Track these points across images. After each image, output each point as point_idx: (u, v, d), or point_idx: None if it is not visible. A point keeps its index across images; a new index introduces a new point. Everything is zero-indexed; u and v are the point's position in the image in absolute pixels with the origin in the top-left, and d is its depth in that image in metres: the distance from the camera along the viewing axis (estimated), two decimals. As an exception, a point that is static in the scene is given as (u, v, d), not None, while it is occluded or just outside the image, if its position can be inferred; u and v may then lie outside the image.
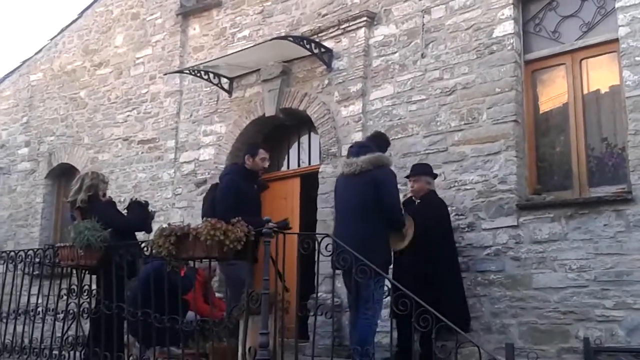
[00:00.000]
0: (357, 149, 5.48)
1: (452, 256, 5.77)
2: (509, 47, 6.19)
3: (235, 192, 5.50)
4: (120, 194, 9.01)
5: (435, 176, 6.05)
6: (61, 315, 5.54)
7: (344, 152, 7.07)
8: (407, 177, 6.09)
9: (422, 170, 5.99)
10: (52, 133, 10.72)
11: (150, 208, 6.05)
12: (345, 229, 5.18)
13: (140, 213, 5.85)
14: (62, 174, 10.71)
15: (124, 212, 6.02)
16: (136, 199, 6.42)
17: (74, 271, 5.66)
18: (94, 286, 5.54)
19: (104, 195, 5.87)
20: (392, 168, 6.53)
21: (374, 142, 5.62)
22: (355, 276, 4.58)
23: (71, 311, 5.52)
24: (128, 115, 9.66)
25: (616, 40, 5.71)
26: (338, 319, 6.23)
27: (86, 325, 5.50)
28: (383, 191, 5.12)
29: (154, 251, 4.62)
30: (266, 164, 5.99)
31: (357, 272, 4.53)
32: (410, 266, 5.42)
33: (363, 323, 4.97)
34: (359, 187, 5.20)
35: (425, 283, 5.19)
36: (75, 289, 5.52)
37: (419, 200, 5.92)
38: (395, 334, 5.41)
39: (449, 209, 6.09)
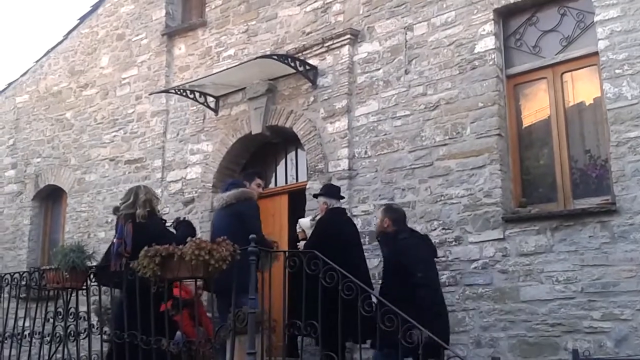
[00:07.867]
0: (227, 186, 6.02)
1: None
2: (490, 63, 6.25)
3: None
4: (107, 215, 8.97)
5: (331, 195, 6.12)
6: (48, 338, 5.49)
7: (331, 169, 7.14)
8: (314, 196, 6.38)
9: (319, 192, 6.25)
10: (39, 155, 10.69)
11: None
12: None
13: (187, 231, 5.78)
14: (49, 195, 10.67)
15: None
16: (184, 217, 6.44)
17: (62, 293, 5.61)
18: (82, 308, 5.50)
19: (158, 210, 5.76)
20: (379, 183, 6.70)
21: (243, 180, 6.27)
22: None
23: (57, 334, 5.47)
24: (114, 136, 9.65)
25: (596, 53, 5.78)
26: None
27: (73, 349, 5.44)
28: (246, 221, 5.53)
29: (138, 272, 4.58)
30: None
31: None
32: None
33: None
34: (226, 219, 5.60)
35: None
36: (62, 312, 5.47)
37: None
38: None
39: (435, 222, 6.21)
